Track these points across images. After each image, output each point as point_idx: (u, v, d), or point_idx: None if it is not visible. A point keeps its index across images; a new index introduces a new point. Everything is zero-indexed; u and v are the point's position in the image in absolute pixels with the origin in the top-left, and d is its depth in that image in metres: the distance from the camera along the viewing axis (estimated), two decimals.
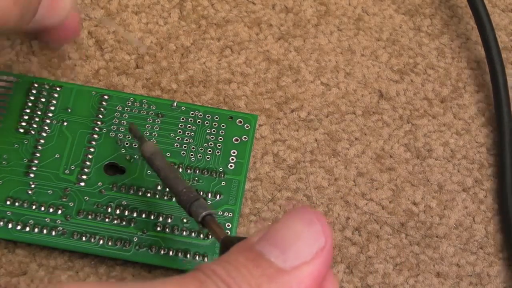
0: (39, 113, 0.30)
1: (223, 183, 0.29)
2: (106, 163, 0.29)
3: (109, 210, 0.28)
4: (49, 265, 0.28)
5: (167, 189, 0.28)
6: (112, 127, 0.30)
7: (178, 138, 0.30)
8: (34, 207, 0.28)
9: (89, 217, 0.28)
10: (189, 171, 0.29)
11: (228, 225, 0.28)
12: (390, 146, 0.31)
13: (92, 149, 0.29)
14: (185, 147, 0.30)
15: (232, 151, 0.30)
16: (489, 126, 0.32)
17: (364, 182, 0.30)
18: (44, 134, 0.29)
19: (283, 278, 0.19)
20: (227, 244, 0.22)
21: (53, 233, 0.28)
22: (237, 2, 0.34)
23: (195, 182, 0.29)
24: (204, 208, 0.25)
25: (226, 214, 0.29)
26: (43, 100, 0.30)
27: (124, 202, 0.28)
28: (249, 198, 0.30)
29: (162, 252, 0.28)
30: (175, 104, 0.30)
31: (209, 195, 0.29)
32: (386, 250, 0.29)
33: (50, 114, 0.30)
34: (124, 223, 0.28)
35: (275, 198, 0.30)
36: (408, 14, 0.35)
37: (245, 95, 0.32)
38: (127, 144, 0.30)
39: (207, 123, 0.30)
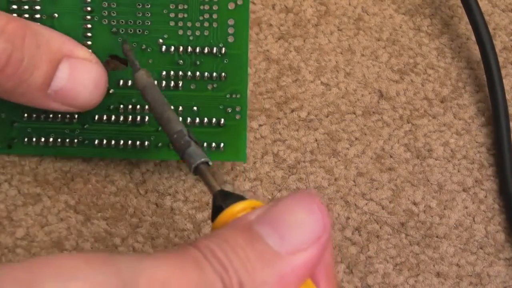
0: (26, 7, 0.28)
1: (225, 61, 0.29)
2: (107, 57, 0.28)
3: (121, 110, 0.28)
4: None
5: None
6: (103, 13, 0.28)
7: (172, 14, 0.28)
8: (49, 118, 0.28)
9: (104, 120, 0.28)
10: (189, 53, 0.28)
11: (238, 108, 0.28)
12: (390, 146, 0.31)
13: (89, 42, 0.28)
14: (180, 24, 0.29)
15: (229, 20, 0.28)
16: (489, 126, 0.32)
17: (364, 182, 0.30)
18: None
19: (278, 263, 0.19)
20: (220, 198, 0.21)
21: (75, 143, 0.29)
22: None
23: (197, 64, 0.28)
24: (197, 156, 0.23)
25: (234, 96, 0.28)
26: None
27: (133, 100, 0.28)
28: (249, 198, 0.30)
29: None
30: None
31: (214, 76, 0.28)
32: (386, 250, 0.29)
33: (38, 7, 0.28)
34: (138, 122, 0.28)
35: (275, 198, 0.30)
36: (408, 14, 0.35)
37: None
38: (122, 31, 0.28)
39: None
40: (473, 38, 0.34)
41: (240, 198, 0.21)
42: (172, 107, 0.25)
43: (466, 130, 0.32)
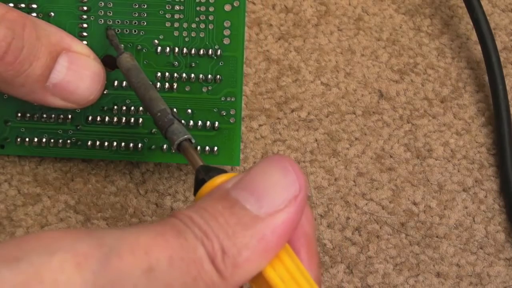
0: (23, 5, 0.28)
1: (221, 63, 0.28)
2: (102, 57, 0.28)
3: (115, 112, 0.28)
4: None
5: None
6: (99, 13, 0.28)
7: (168, 15, 0.28)
8: (43, 118, 0.28)
9: (98, 121, 0.28)
10: (185, 54, 0.28)
11: (233, 111, 0.28)
12: (390, 146, 0.31)
13: (85, 42, 0.28)
14: (176, 25, 0.28)
15: (225, 22, 0.28)
16: (489, 126, 0.32)
17: (364, 182, 0.30)
18: None
19: (258, 226, 0.19)
20: (203, 172, 0.21)
21: (68, 143, 0.29)
22: None
23: (192, 66, 0.28)
24: (180, 133, 0.23)
25: (228, 99, 0.28)
26: None
27: (127, 101, 0.28)
28: None
29: (173, 150, 0.28)
30: None
31: (209, 78, 0.28)
32: (386, 250, 0.29)
33: (35, 6, 0.28)
34: (132, 123, 0.28)
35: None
36: (408, 14, 0.35)
37: (245, 95, 0.32)
38: (118, 31, 0.28)
39: None
40: (473, 38, 0.34)
41: (222, 171, 0.22)
42: (155, 88, 0.25)
43: (466, 130, 0.32)
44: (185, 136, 0.23)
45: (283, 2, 0.34)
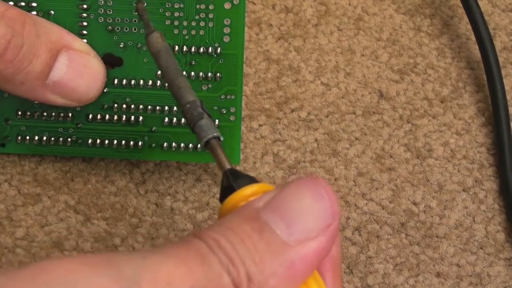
0: (23, 4, 0.28)
1: (221, 61, 0.28)
2: (102, 55, 0.28)
3: (115, 110, 0.28)
4: None
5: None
6: (99, 11, 0.28)
7: (168, 13, 0.28)
8: (43, 117, 0.28)
9: (98, 119, 0.28)
10: (184, 52, 0.28)
11: (233, 109, 0.28)
12: (390, 146, 0.31)
13: (85, 40, 0.28)
14: (176, 23, 0.28)
15: (225, 20, 0.28)
16: (489, 126, 0.32)
17: (364, 182, 0.30)
18: None
19: (287, 253, 0.18)
20: (231, 177, 0.20)
21: (68, 142, 0.28)
22: None
23: (192, 64, 0.28)
24: (209, 130, 0.22)
25: (228, 97, 0.28)
26: None
27: (128, 99, 0.28)
28: None
29: (173, 146, 0.28)
30: None
31: (209, 76, 0.28)
32: (386, 250, 0.29)
33: (34, 4, 0.28)
34: (132, 121, 0.28)
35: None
36: (408, 14, 0.35)
37: (245, 95, 0.32)
38: (118, 29, 0.28)
39: None
40: (474, 38, 0.34)
41: (251, 180, 0.20)
42: (184, 75, 0.23)
43: (466, 130, 0.32)
44: (214, 134, 0.22)
45: (283, 2, 0.34)
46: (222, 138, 0.22)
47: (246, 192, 0.20)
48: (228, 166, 0.21)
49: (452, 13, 0.35)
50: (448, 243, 0.30)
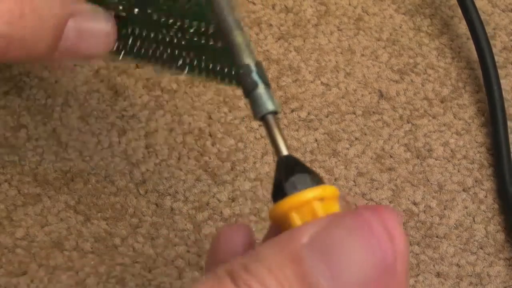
0: None
1: None
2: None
3: None
4: (49, 265, 0.28)
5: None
6: None
7: None
8: None
9: None
10: None
11: None
12: (390, 146, 0.31)
13: None
14: None
15: None
16: (489, 126, 0.32)
17: (364, 182, 0.30)
18: None
19: None
20: (287, 171, 0.18)
21: None
22: (237, 2, 0.34)
23: None
24: (263, 104, 0.19)
25: None
26: None
27: None
28: (249, 198, 0.30)
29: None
30: None
31: None
32: None
33: None
34: None
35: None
36: (408, 14, 0.35)
37: None
38: None
39: None
40: None
41: (312, 178, 0.18)
42: (242, 27, 0.20)
43: (466, 130, 0.32)
44: (269, 109, 0.18)
45: (283, 2, 0.34)
46: (280, 110, 0.19)
47: (302, 198, 0.17)
48: (284, 152, 0.18)
49: (452, 13, 0.35)
50: (448, 243, 0.30)
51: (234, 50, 0.19)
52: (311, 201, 0.17)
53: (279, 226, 0.18)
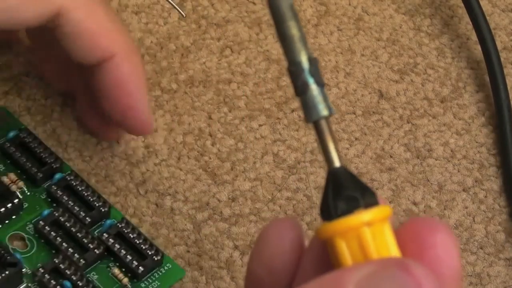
0: None
1: None
2: None
3: None
4: None
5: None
6: None
7: None
8: None
9: None
10: None
11: None
12: (390, 146, 0.31)
13: None
14: None
15: None
16: (489, 126, 0.32)
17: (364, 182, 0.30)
18: None
19: None
20: (332, 185, 0.16)
21: None
22: (237, 2, 0.34)
23: None
24: (315, 107, 0.17)
25: None
26: None
27: None
28: (249, 198, 0.30)
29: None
30: None
31: None
32: None
33: None
34: None
35: (275, 198, 0.30)
36: (408, 14, 0.35)
37: (245, 95, 0.32)
38: None
39: None
40: (473, 38, 0.34)
41: (363, 197, 0.17)
42: (297, 18, 0.17)
43: (466, 130, 0.32)
44: (322, 114, 0.17)
45: None
46: (333, 112, 0.17)
47: (346, 224, 0.16)
48: (336, 164, 0.17)
49: (452, 13, 0.35)
50: None
51: (285, 44, 0.17)
52: (358, 227, 0.16)
53: (324, 242, 0.17)
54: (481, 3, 0.34)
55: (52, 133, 0.30)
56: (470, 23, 0.34)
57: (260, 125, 0.31)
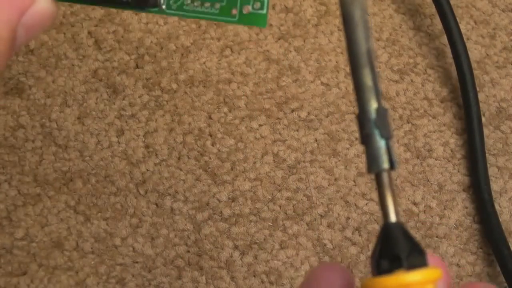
0: None
1: None
2: None
3: None
4: (49, 265, 0.28)
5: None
6: None
7: None
8: None
9: None
10: None
11: None
12: None
13: None
14: None
15: None
16: (489, 126, 0.32)
17: (364, 182, 0.30)
18: None
19: None
20: (389, 237, 0.17)
21: None
22: None
23: None
24: (377, 159, 0.17)
25: None
26: None
27: None
28: (249, 198, 0.30)
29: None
30: None
31: None
32: None
33: None
34: None
35: (275, 198, 0.30)
36: (408, 14, 0.35)
37: (245, 95, 0.32)
38: None
39: None
40: (473, 38, 0.34)
41: (412, 257, 0.16)
42: (374, 63, 0.17)
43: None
44: (383, 167, 0.17)
45: (283, 2, 0.34)
46: (396, 166, 0.17)
47: (391, 283, 0.16)
48: (391, 219, 0.17)
49: None
50: (448, 243, 0.30)
51: (357, 89, 0.17)
52: (417, 285, 0.16)
53: None
54: (481, 3, 0.34)
55: (51, 133, 0.30)
56: (470, 23, 0.34)
57: (260, 125, 0.31)
